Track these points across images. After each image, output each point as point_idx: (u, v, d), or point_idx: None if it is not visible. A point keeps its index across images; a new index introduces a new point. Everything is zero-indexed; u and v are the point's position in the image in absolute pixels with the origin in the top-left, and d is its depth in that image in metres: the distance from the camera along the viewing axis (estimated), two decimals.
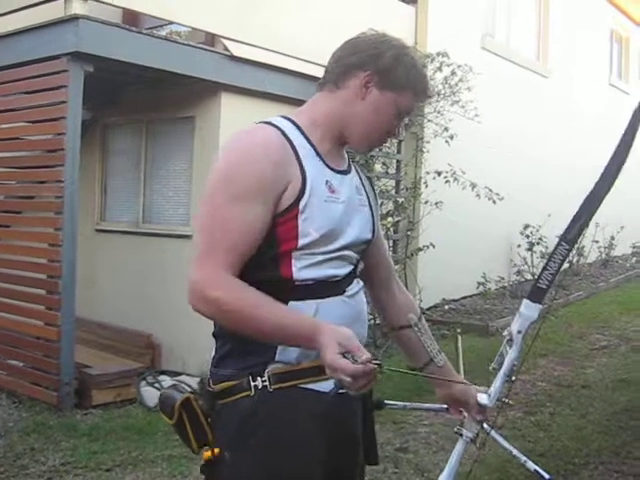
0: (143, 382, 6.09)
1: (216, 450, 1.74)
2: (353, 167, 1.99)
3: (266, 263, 1.76)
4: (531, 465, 1.99)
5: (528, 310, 1.94)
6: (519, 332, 1.95)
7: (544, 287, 1.92)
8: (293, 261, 1.76)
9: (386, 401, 2.06)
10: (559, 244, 1.90)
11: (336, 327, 1.65)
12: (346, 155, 1.98)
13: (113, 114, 7.49)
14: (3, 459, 4.57)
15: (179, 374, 6.37)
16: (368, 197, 2.00)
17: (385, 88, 1.85)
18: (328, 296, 1.81)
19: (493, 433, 2.03)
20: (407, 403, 2.27)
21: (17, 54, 5.94)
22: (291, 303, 1.75)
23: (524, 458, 2.01)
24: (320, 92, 1.92)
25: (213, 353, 1.88)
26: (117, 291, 7.30)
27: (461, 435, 2.03)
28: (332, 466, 1.83)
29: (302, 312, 1.75)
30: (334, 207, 1.82)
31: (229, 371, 1.79)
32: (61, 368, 5.50)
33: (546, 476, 1.96)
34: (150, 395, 5.88)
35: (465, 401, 2.07)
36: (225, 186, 1.73)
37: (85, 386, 5.68)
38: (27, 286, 5.96)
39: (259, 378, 1.74)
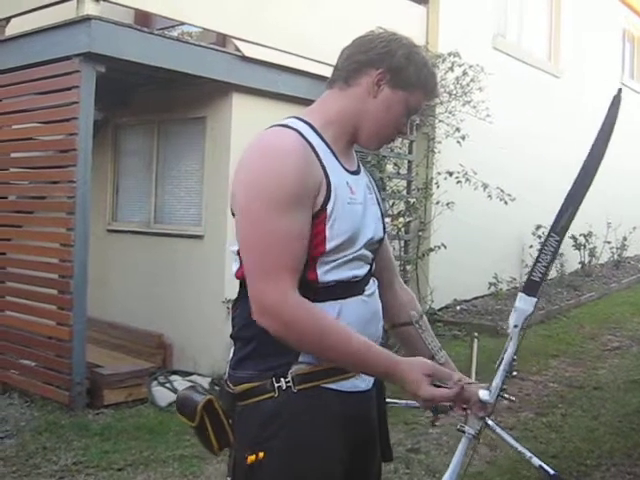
0: (154, 382, 6.10)
1: (261, 454, 1.72)
2: (361, 166, 1.99)
3: None
4: (536, 461, 1.99)
5: (524, 304, 1.92)
6: (515, 326, 1.94)
7: (537, 280, 1.91)
8: (318, 264, 1.76)
9: (388, 400, 2.06)
10: (549, 235, 1.90)
11: (412, 360, 1.77)
12: (355, 154, 1.98)
13: (125, 114, 7.52)
14: (15, 458, 4.59)
15: (190, 374, 6.38)
16: (376, 195, 2.00)
17: (397, 86, 1.84)
18: (350, 296, 1.81)
19: (498, 429, 2.03)
20: (409, 401, 2.27)
21: (29, 55, 5.96)
22: (315, 304, 1.75)
23: (529, 454, 2.01)
24: (330, 90, 1.91)
25: (231, 355, 1.87)
26: (128, 291, 7.32)
27: (464, 432, 2.03)
28: (352, 464, 1.84)
29: (373, 344, 1.76)
30: (355, 209, 1.83)
31: (250, 373, 1.78)
32: (73, 368, 5.52)
33: (551, 472, 1.96)
34: (161, 395, 5.89)
35: (467, 398, 2.07)
36: (268, 198, 1.68)
37: (97, 386, 5.70)
38: (39, 286, 5.98)
39: (282, 379, 1.75)
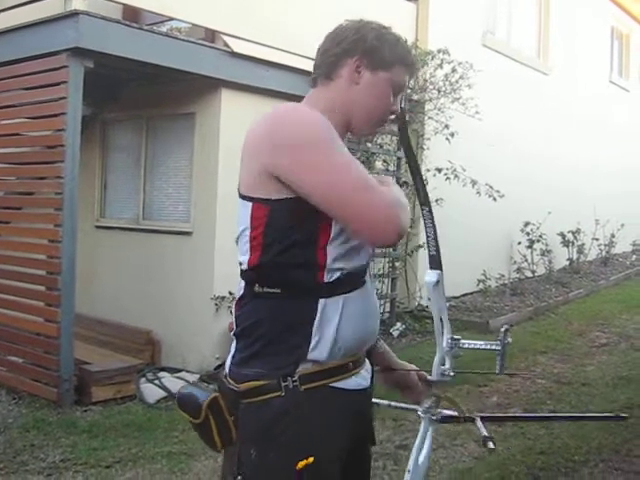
0: (143, 379, 6.08)
1: (311, 459, 1.72)
2: None
3: (307, 249, 1.75)
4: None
5: (430, 277, 1.99)
6: (429, 299, 2.01)
7: (434, 253, 1.98)
8: (328, 248, 1.75)
9: (374, 400, 2.07)
10: (422, 209, 1.99)
11: None
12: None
13: (113, 110, 7.49)
14: (3, 455, 4.57)
15: (179, 371, 6.37)
16: None
17: (376, 68, 1.87)
18: (353, 289, 1.80)
19: (483, 431, 2.07)
20: (392, 402, 2.29)
21: (17, 50, 5.93)
22: (321, 300, 1.75)
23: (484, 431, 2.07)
24: (314, 88, 1.93)
25: (232, 352, 1.86)
26: (117, 287, 7.30)
27: (419, 416, 2.05)
28: (349, 459, 1.86)
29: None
30: None
31: (257, 371, 1.77)
32: (61, 364, 5.50)
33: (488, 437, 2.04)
34: (150, 392, 5.88)
35: (405, 385, 2.12)
36: (331, 139, 1.71)
37: (85, 383, 5.68)
38: (27, 282, 5.96)
39: (289, 378, 1.75)
